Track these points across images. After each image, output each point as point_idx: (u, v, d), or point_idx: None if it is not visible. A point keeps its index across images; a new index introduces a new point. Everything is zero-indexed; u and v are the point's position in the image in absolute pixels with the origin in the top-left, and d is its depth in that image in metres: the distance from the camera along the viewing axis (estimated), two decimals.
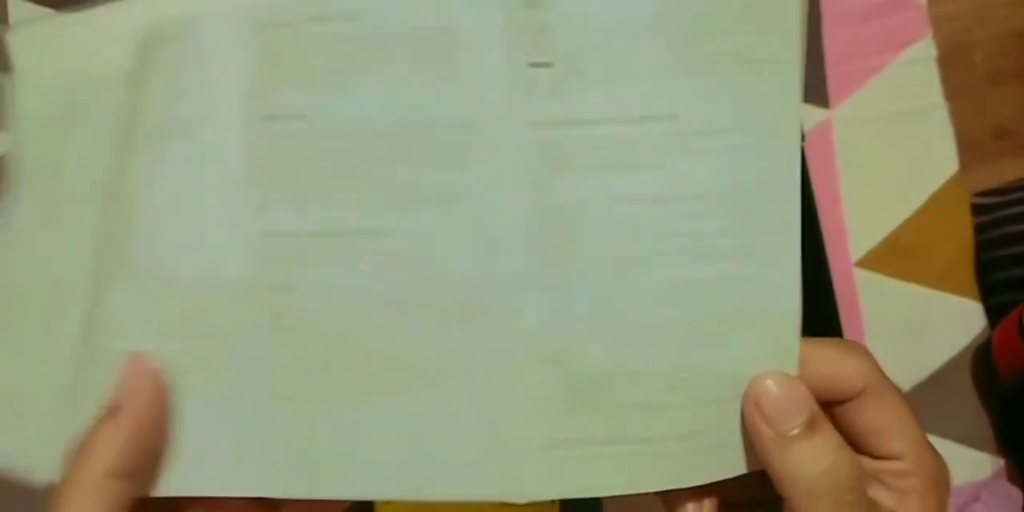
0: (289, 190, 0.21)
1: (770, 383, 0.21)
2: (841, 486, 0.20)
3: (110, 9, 0.22)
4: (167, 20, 0.21)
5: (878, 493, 0.22)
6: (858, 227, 0.47)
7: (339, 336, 0.21)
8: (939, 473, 0.22)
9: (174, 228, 0.21)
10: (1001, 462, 0.46)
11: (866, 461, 0.22)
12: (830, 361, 0.21)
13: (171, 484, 0.21)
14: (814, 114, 0.47)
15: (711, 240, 0.21)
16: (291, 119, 0.21)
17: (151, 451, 0.21)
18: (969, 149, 0.48)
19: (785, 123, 0.20)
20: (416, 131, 0.20)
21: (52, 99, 0.22)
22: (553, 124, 0.20)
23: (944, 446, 0.45)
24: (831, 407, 0.22)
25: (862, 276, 0.47)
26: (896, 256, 0.47)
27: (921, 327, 0.46)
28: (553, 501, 0.25)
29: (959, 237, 0.47)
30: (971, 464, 0.46)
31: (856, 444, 0.22)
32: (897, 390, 0.22)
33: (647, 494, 0.22)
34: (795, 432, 0.20)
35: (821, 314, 0.42)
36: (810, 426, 0.20)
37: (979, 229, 0.47)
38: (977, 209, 0.47)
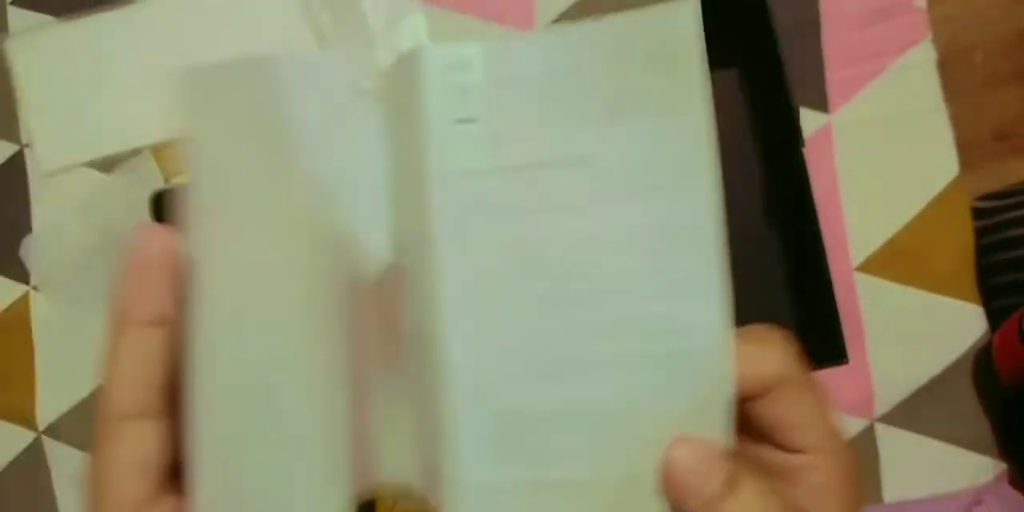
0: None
1: (679, 455, 0.21)
2: None
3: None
4: None
5: (794, 493, 0.22)
6: (858, 231, 0.47)
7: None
8: (850, 468, 0.22)
9: None
10: (1003, 466, 0.46)
11: (778, 455, 0.22)
12: (747, 359, 0.21)
13: None
14: (814, 118, 0.47)
15: (632, 280, 0.21)
16: None
17: None
18: (969, 152, 0.48)
19: (698, 163, 0.21)
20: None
21: None
22: (480, 174, 0.22)
23: (946, 450, 0.46)
24: (744, 402, 0.21)
25: (862, 280, 0.47)
26: (897, 260, 0.47)
27: (922, 331, 0.46)
28: None
29: (960, 241, 0.47)
30: (973, 468, 0.46)
31: (769, 437, 0.22)
32: (812, 381, 0.22)
33: None
34: (716, 494, 0.20)
35: (821, 319, 0.42)
36: (730, 483, 0.20)
37: (980, 233, 0.47)
38: (978, 212, 0.47)
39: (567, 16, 0.47)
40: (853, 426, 0.46)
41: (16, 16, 0.51)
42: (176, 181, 0.47)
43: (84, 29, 0.50)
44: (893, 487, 0.46)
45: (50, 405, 0.49)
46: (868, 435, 0.46)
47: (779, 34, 0.42)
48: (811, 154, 0.42)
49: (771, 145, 0.46)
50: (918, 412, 0.46)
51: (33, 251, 0.49)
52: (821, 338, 0.43)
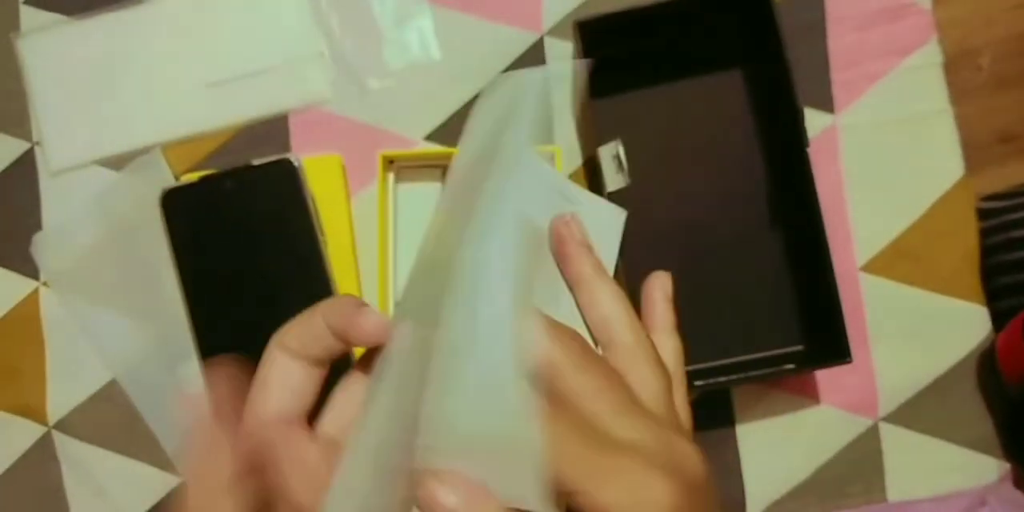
0: None
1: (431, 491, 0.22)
2: None
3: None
4: None
5: None
6: (863, 232, 0.47)
7: None
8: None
9: None
10: (1007, 466, 0.46)
11: None
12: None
13: None
14: (819, 119, 0.48)
15: None
16: None
17: None
18: (974, 153, 0.48)
19: None
20: None
21: None
22: None
23: (949, 450, 0.46)
24: None
25: (867, 281, 0.47)
26: (901, 261, 0.47)
27: (926, 331, 0.47)
28: None
29: (964, 241, 0.47)
30: (977, 468, 0.46)
31: None
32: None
33: None
34: None
35: (826, 319, 0.42)
36: None
37: (984, 233, 0.47)
38: (982, 213, 0.47)
39: (573, 16, 0.47)
40: (857, 426, 0.47)
41: (28, 15, 0.51)
42: (186, 179, 0.48)
43: (96, 28, 0.51)
44: (897, 487, 0.46)
45: (60, 400, 0.50)
46: (872, 435, 0.46)
47: (784, 35, 0.42)
48: (816, 155, 0.42)
49: (776, 146, 0.46)
50: (922, 412, 0.46)
51: (43, 248, 0.50)
52: (825, 338, 0.43)
